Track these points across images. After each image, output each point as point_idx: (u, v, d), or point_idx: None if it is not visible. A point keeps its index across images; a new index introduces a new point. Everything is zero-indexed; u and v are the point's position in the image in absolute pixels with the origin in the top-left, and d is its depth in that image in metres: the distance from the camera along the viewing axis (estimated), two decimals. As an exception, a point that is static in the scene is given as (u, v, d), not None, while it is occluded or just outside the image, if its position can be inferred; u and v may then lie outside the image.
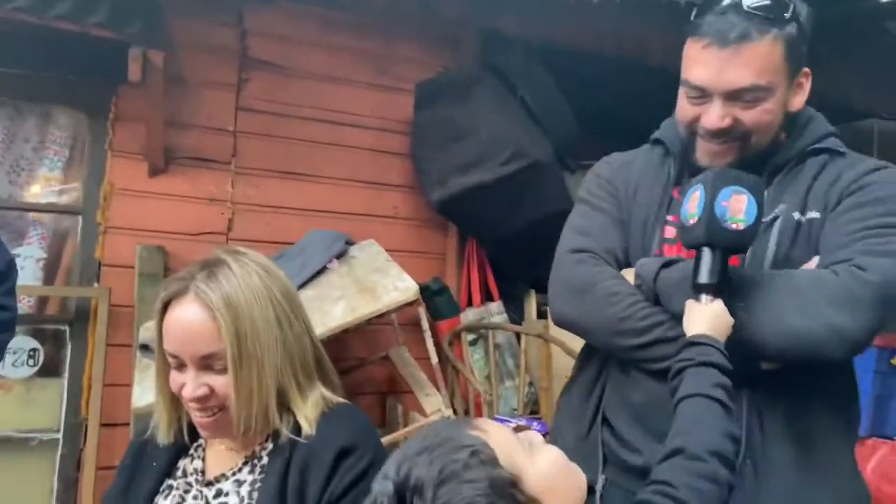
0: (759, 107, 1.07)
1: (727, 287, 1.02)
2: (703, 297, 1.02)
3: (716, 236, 1.00)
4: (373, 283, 2.12)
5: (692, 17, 1.11)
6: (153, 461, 1.20)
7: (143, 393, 1.85)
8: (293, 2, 2.70)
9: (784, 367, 1.05)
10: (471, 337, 2.80)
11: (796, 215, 1.10)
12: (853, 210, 1.07)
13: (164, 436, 1.17)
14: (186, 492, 1.15)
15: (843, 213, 1.08)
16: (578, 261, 1.21)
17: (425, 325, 2.16)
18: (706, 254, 1.02)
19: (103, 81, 2.40)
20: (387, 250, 2.50)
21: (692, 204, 1.03)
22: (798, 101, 1.13)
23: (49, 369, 2.37)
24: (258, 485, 1.11)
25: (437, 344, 2.60)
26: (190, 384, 1.06)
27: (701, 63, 1.08)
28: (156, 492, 1.17)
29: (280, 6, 2.70)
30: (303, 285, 2.19)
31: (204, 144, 2.58)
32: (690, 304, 1.04)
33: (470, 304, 2.88)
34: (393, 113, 2.87)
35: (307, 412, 1.11)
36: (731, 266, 1.07)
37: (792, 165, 1.14)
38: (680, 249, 1.15)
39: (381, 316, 2.09)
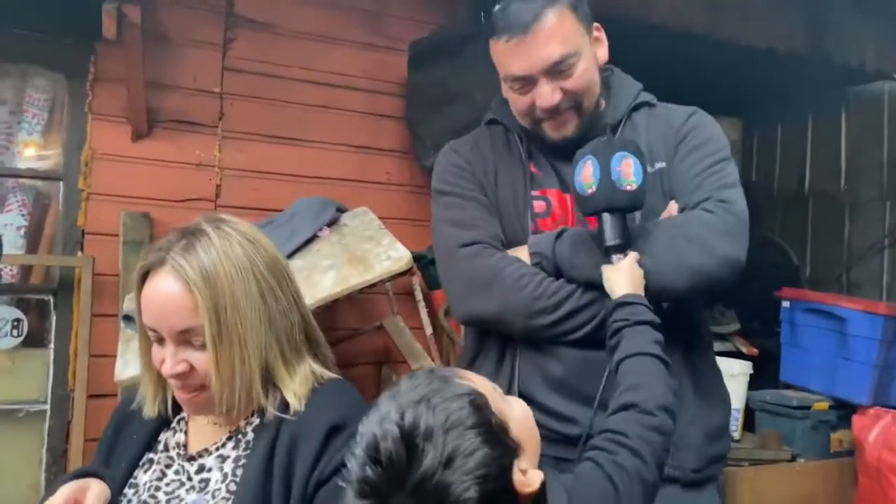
0: (577, 71, 1.18)
1: (631, 244, 1.13)
2: (614, 257, 1.12)
3: (615, 200, 1.09)
4: (364, 252, 2.04)
5: (483, 24, 1.25)
6: (134, 434, 1.17)
7: (127, 365, 1.80)
8: (280, -44, 2.58)
9: (673, 306, 1.19)
10: (467, 306, 2.73)
11: (647, 168, 1.19)
12: (690, 154, 1.22)
13: (150, 409, 1.14)
14: (168, 466, 1.12)
15: (682, 158, 1.22)
16: (474, 254, 1.22)
17: (419, 295, 2.10)
18: (608, 218, 1.11)
19: (80, 41, 2.30)
20: (380, 218, 2.41)
21: (586, 174, 1.11)
22: (602, 53, 1.25)
23: (34, 340, 2.31)
24: (242, 461, 1.07)
25: (433, 313, 2.54)
26: (169, 360, 1.02)
27: (513, 55, 1.19)
28: (135, 465, 1.14)
29: (266, -39, 2.58)
30: (292, 254, 2.12)
31: (189, 107, 2.48)
32: (605, 268, 1.12)
33: (467, 272, 2.81)
34: (386, 74, 2.76)
35: (296, 388, 1.07)
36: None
37: (624, 123, 1.26)
38: (554, 222, 1.25)
39: (374, 285, 2.02)
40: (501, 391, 0.86)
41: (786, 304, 3.16)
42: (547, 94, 1.18)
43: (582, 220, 1.24)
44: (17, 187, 2.35)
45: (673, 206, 1.20)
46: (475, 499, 0.70)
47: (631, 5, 2.75)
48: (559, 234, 1.20)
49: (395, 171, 2.79)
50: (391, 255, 1.99)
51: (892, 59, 3.43)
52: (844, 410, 2.88)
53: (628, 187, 1.10)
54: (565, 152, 1.22)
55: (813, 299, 3.05)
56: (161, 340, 1.03)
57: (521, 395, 1.20)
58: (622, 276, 1.11)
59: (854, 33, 3.31)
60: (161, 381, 1.10)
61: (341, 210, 2.40)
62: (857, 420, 2.81)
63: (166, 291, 0.99)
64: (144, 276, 1.04)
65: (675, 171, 1.23)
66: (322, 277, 1.95)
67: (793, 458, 2.73)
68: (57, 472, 2.27)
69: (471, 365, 1.33)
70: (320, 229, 2.23)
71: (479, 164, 1.31)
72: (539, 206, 1.27)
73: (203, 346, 1.00)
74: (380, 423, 0.73)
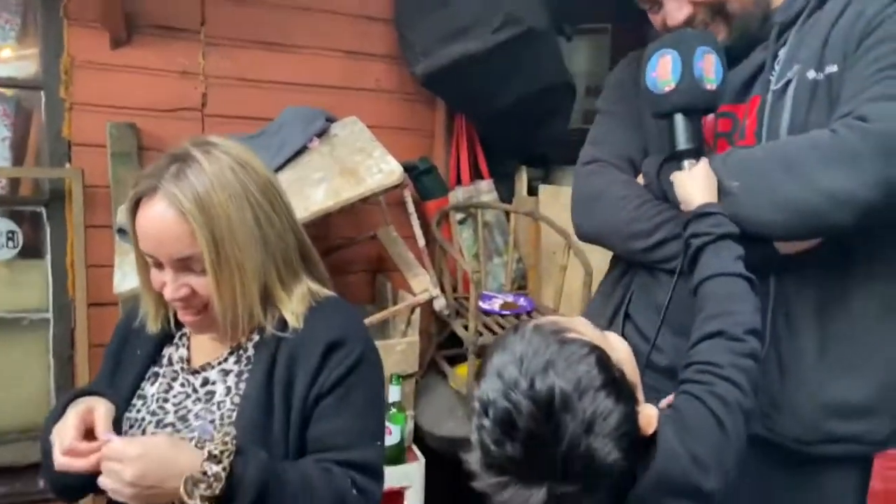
0: None
1: (704, 150, 1.01)
2: (686, 163, 1.00)
3: (696, 99, 0.97)
4: (355, 165, 2.03)
5: None
6: (137, 349, 1.21)
7: (125, 277, 1.83)
8: None
9: (813, 252, 0.98)
10: (459, 216, 2.76)
11: (811, 74, 0.98)
12: (871, 51, 0.93)
13: (152, 325, 1.17)
14: (174, 379, 1.17)
15: (860, 57, 0.94)
16: (589, 172, 1.19)
17: (411, 208, 2.11)
18: (680, 120, 1.00)
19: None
20: (370, 126, 2.37)
21: (664, 70, 0.99)
22: None
23: (30, 251, 2.32)
24: (245, 376, 1.11)
25: (426, 224, 2.57)
26: (170, 285, 1.03)
27: None
28: (142, 378, 1.18)
29: None
30: (282, 166, 2.11)
31: (169, 11, 2.36)
32: (677, 175, 1.02)
33: (459, 182, 2.81)
34: (374, -28, 2.63)
35: (293, 307, 1.10)
36: (735, 145, 1.04)
37: (806, 16, 1.01)
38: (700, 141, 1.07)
39: (366, 198, 2.02)
40: (601, 327, 0.83)
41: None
42: (674, 10, 1.04)
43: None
44: (-2, 97, 2.28)
45: None
46: (620, 457, 0.69)
47: None
48: (670, 157, 1.06)
49: (384, 77, 2.72)
50: (383, 169, 1.98)
51: None
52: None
53: (709, 86, 0.98)
54: (730, 63, 1.04)
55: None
56: (159, 265, 1.04)
57: (626, 316, 1.21)
58: (697, 184, 0.99)
59: None
60: (161, 299, 1.12)
61: (330, 120, 2.36)
62: None
63: (162, 220, 0.99)
64: (137, 204, 1.04)
65: (847, 76, 0.95)
66: (314, 190, 1.95)
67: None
68: (65, 377, 2.36)
69: (606, 276, 1.30)
70: (310, 140, 2.21)
71: (633, 78, 1.18)
72: None
73: (203, 271, 1.02)
74: (507, 393, 0.69)
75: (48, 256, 2.33)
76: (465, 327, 2.25)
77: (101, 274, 2.32)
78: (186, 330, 1.20)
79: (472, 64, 2.31)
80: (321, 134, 2.26)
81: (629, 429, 0.71)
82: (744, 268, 0.93)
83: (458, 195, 2.77)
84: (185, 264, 1.02)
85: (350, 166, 2.04)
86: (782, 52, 1.02)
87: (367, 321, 2.07)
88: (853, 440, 1.02)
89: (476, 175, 2.88)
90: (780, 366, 1.03)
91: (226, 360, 1.15)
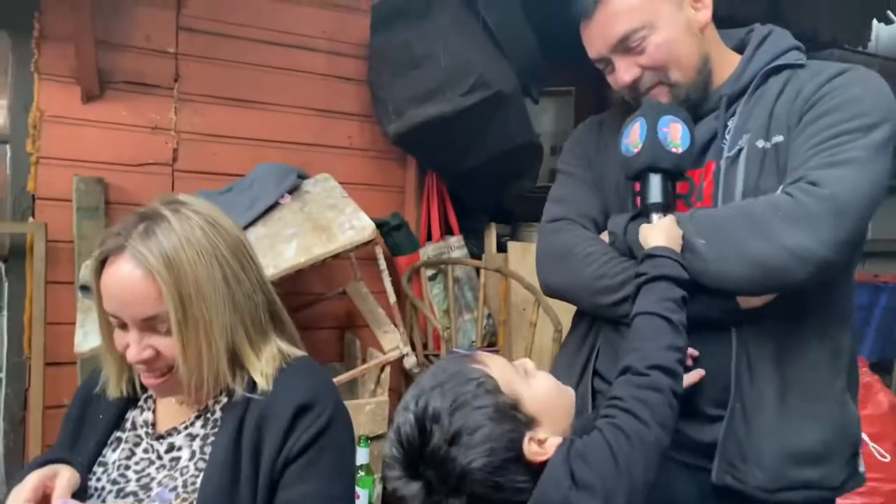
0: (651, 45, 1.09)
1: (672, 208, 1.08)
2: (654, 216, 1.07)
3: (660, 159, 1.05)
4: (327, 221, 2.04)
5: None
6: (100, 413, 1.16)
7: (87, 336, 1.78)
8: None
9: (770, 304, 1.04)
10: (430, 272, 2.77)
11: (760, 143, 1.07)
12: (811, 125, 1.03)
13: (113, 390, 1.13)
14: (136, 444, 1.12)
15: (801, 130, 1.04)
16: (555, 229, 1.23)
17: (382, 264, 2.11)
18: (652, 177, 1.07)
19: (23, -6, 2.18)
20: (342, 183, 2.40)
21: (634, 136, 1.08)
22: (703, 16, 1.12)
23: (-14, 307, 2.26)
24: (211, 439, 1.08)
25: (396, 280, 2.57)
26: (134, 347, 1.00)
27: (585, 39, 1.15)
28: (104, 444, 1.14)
29: (221, -88, 2.46)
30: (253, 222, 2.10)
31: (142, 68, 2.39)
32: (644, 226, 1.08)
33: (429, 238, 2.83)
34: (347, 35, 2.70)
35: (262, 368, 1.08)
36: (693, 206, 1.11)
37: (751, 91, 1.10)
38: None
39: (337, 254, 2.02)
40: (527, 368, 0.91)
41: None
42: (622, 72, 1.12)
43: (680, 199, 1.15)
44: (-39, 149, 2.25)
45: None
46: (482, 468, 0.80)
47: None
48: (636, 215, 1.13)
49: (357, 135, 2.76)
50: (355, 225, 1.99)
51: (844, 30, 3.51)
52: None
53: (674, 149, 1.05)
54: None
55: None
56: (124, 326, 1.01)
57: (595, 373, 1.22)
58: (657, 232, 1.05)
59: (810, 4, 3.37)
60: (124, 362, 1.09)
61: (302, 176, 2.37)
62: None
63: (128, 279, 0.97)
64: (102, 263, 1.02)
65: (791, 146, 1.04)
66: (285, 247, 1.94)
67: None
68: (15, 440, 2.25)
69: (569, 335, 1.34)
70: (282, 196, 2.21)
71: (594, 140, 1.28)
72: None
73: (168, 332, 0.99)
74: (402, 410, 0.85)
75: (4, 313, 2.25)
76: (436, 385, 2.22)
77: (59, 332, 2.25)
78: (152, 392, 1.17)
79: (442, 124, 2.38)
80: (293, 190, 2.26)
81: (503, 446, 0.81)
82: (671, 309, 0.98)
83: (428, 251, 2.79)
84: (150, 325, 1.00)
85: (322, 223, 2.04)
86: (731, 123, 1.11)
87: (336, 380, 2.04)
88: (813, 486, 1.05)
89: (446, 231, 2.91)
90: (745, 416, 1.06)
91: (192, 423, 1.11)
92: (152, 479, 1.07)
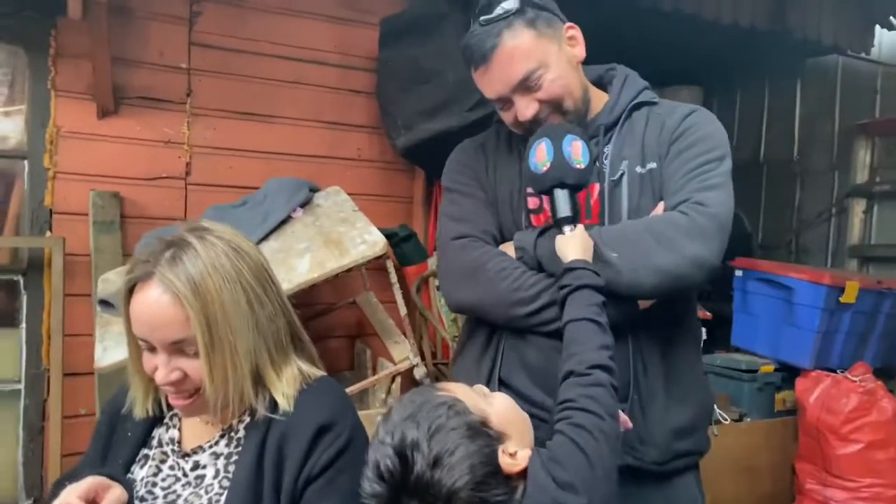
0: (546, 81, 1.22)
1: (579, 218, 1.20)
2: (566, 228, 1.17)
3: (567, 175, 1.16)
4: (339, 236, 2.08)
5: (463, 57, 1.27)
6: (128, 431, 1.20)
7: (106, 352, 1.82)
8: (247, -76, 2.51)
9: (654, 307, 1.22)
10: (438, 281, 2.81)
11: (638, 168, 1.26)
12: (680, 155, 1.25)
13: (140, 410, 1.17)
14: (163, 462, 1.16)
15: (673, 159, 1.25)
16: (461, 246, 1.30)
17: (393, 278, 2.15)
18: (560, 193, 1.17)
19: (40, 13, 2.22)
20: (351, 194, 2.45)
21: (540, 155, 1.18)
22: (579, 51, 1.28)
23: (5, 319, 2.30)
24: (234, 458, 1.12)
25: (405, 290, 2.61)
26: (162, 369, 1.04)
27: (483, 82, 1.25)
28: (132, 461, 1.17)
29: (232, -71, 2.50)
30: (266, 236, 2.14)
31: (156, 83, 2.43)
32: (559, 238, 1.18)
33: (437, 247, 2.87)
34: (356, 49, 2.74)
35: (284, 388, 1.11)
36: (593, 225, 1.26)
37: (622, 123, 1.29)
38: (546, 217, 1.29)
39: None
40: (483, 391, 0.97)
41: (738, 272, 3.32)
42: (523, 108, 1.23)
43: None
44: (-20, 165, 2.30)
45: (660, 208, 1.24)
46: (466, 485, 0.84)
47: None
48: (542, 231, 1.25)
49: (366, 146, 2.80)
50: (366, 240, 2.03)
51: (847, 36, 3.54)
52: (788, 373, 3.09)
53: (578, 165, 1.17)
54: None
55: (763, 269, 3.20)
56: (153, 349, 1.05)
57: (500, 381, 1.29)
58: (572, 243, 1.16)
59: (813, 9, 3.39)
60: (151, 382, 1.13)
61: (314, 190, 2.42)
62: (799, 382, 3.01)
63: (157, 305, 1.01)
64: (131, 289, 1.06)
65: (666, 173, 1.25)
66: (298, 261, 1.98)
67: (740, 418, 2.93)
68: (34, 449, 2.30)
69: (462, 347, 1.42)
70: (294, 210, 2.25)
71: (482, 162, 1.37)
72: (533, 202, 1.32)
73: (195, 355, 1.03)
74: (378, 447, 0.88)
75: (23, 326, 2.30)
76: (446, 395, 2.26)
77: (76, 343, 2.30)
78: (177, 410, 1.21)
79: (449, 138, 2.40)
80: (305, 204, 2.30)
81: (481, 461, 0.86)
82: (596, 313, 1.10)
83: (436, 261, 2.83)
84: (178, 348, 1.04)
85: (334, 237, 2.08)
86: (608, 149, 1.28)
87: (347, 390, 2.08)
88: (691, 453, 1.31)
89: (454, 240, 2.94)
90: (641, 406, 1.25)
91: (217, 442, 1.15)
92: (178, 496, 1.11)
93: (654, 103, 1.32)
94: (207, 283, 1.02)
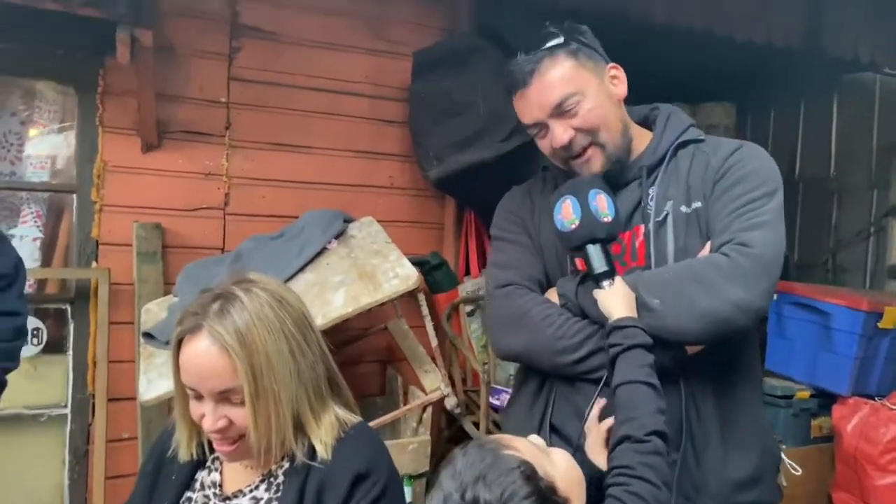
0: (583, 109, 1.23)
1: (615, 272, 1.18)
2: (605, 283, 1.17)
3: (597, 230, 1.17)
4: (373, 268, 2.12)
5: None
6: (172, 474, 1.25)
7: (150, 384, 1.88)
8: (284, -38, 2.58)
9: (705, 351, 1.19)
10: (468, 308, 2.84)
11: (683, 208, 1.24)
12: (725, 193, 1.22)
13: (185, 453, 1.21)
14: (205, 504, 1.21)
15: (717, 198, 1.23)
16: (507, 294, 1.31)
17: (425, 310, 2.19)
18: (592, 249, 1.17)
19: (91, 55, 2.32)
20: (383, 222, 2.49)
21: (566, 212, 1.19)
22: (620, 89, 1.29)
23: (53, 346, 2.39)
24: (274, 503, 1.16)
25: (436, 316, 2.64)
26: (210, 416, 1.09)
27: (521, 106, 1.27)
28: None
29: (271, -32, 2.58)
30: (302, 268, 2.20)
31: (197, 117, 2.52)
32: (598, 293, 1.18)
33: (468, 273, 2.90)
34: (389, 79, 2.80)
35: (322, 436, 1.15)
36: (636, 267, 1.26)
37: (667, 162, 1.28)
38: None
39: (381, 298, 2.09)
40: (542, 446, 0.96)
41: (774, 296, 3.26)
42: (558, 133, 1.23)
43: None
44: (31, 199, 2.40)
45: (706, 248, 1.21)
46: None
47: (631, 7, 2.79)
48: (583, 278, 1.24)
49: (397, 174, 2.85)
50: (399, 273, 2.07)
51: (884, 53, 3.48)
52: (825, 399, 3.03)
53: (605, 219, 1.17)
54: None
55: (799, 293, 3.16)
56: (200, 397, 1.10)
57: (552, 427, 1.30)
58: (616, 299, 1.15)
59: (849, 27, 3.35)
60: (196, 427, 1.18)
61: (348, 220, 2.47)
62: (836, 409, 2.95)
63: (206, 356, 1.06)
64: (181, 340, 1.11)
65: (711, 212, 1.23)
66: (333, 296, 2.03)
67: (775, 445, 2.89)
68: (79, 472, 2.39)
69: (515, 394, 1.42)
70: (329, 242, 2.31)
71: (528, 209, 1.38)
72: None
73: (241, 403, 1.08)
74: (445, 501, 0.85)
75: (70, 352, 2.39)
76: (476, 424, 2.29)
77: (120, 369, 2.39)
78: (219, 454, 1.25)
79: (482, 169, 2.45)
80: (339, 235, 2.36)
81: None
82: (649, 375, 1.08)
83: (467, 287, 2.86)
84: (224, 397, 1.09)
85: (368, 270, 2.13)
86: (652, 190, 1.27)
87: (379, 420, 2.12)
88: None
89: (484, 265, 2.97)
90: (695, 453, 1.21)
91: (257, 487, 1.19)
92: (220, 538, 1.15)
93: (700, 141, 1.30)
94: (253, 335, 1.07)
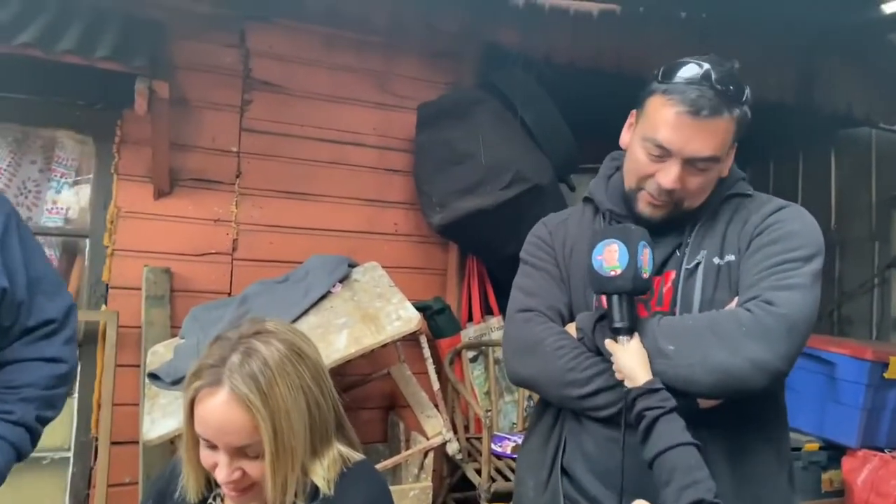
0: (707, 174, 1.19)
1: (636, 326, 1.15)
2: (622, 338, 1.14)
3: (637, 286, 1.13)
4: (376, 311, 2.16)
5: (659, 76, 1.19)
6: None
7: (154, 424, 1.90)
8: (295, 21, 2.72)
9: (721, 408, 1.14)
10: (471, 354, 2.85)
11: (716, 260, 1.21)
12: (760, 250, 1.18)
13: (193, 495, 1.20)
14: (206, 542, 1.20)
15: (752, 254, 1.19)
16: (525, 320, 1.29)
17: (427, 353, 2.21)
18: (618, 300, 1.15)
19: (109, 107, 2.43)
20: (388, 267, 2.54)
21: (610, 257, 1.15)
22: (727, 167, 1.25)
23: (58, 389, 2.41)
24: None
25: (438, 361, 2.65)
26: (224, 469, 1.08)
27: (673, 126, 1.17)
28: None
29: (282, 26, 2.72)
30: (306, 311, 2.24)
31: (208, 166, 2.61)
32: (616, 348, 1.15)
33: (470, 319, 2.93)
34: (394, 130, 2.90)
35: (324, 473, 1.13)
36: (660, 312, 1.22)
37: (709, 215, 1.25)
38: None
39: (384, 342, 2.12)
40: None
41: (794, 361, 3.25)
42: (673, 177, 1.18)
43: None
44: (46, 243, 2.47)
45: (733, 303, 1.17)
46: None
47: (625, 62, 2.89)
48: (602, 316, 1.21)
49: (402, 221, 2.92)
50: (401, 316, 2.10)
51: (878, 109, 3.57)
52: (834, 451, 2.98)
53: (645, 275, 1.14)
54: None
55: (803, 343, 3.14)
56: (214, 447, 1.09)
57: (563, 470, 1.27)
58: (637, 359, 1.13)
59: (842, 84, 3.45)
60: (204, 470, 1.16)
61: (352, 265, 2.52)
62: (846, 462, 2.90)
63: (228, 413, 1.05)
64: (197, 389, 1.09)
65: (743, 267, 1.19)
66: (337, 337, 2.06)
67: (784, 500, 2.82)
68: (79, 517, 2.37)
69: (530, 432, 1.39)
70: (333, 286, 2.35)
71: (560, 238, 1.35)
72: None
73: (256, 457, 1.07)
74: None
75: (76, 395, 2.41)
76: (478, 471, 2.27)
77: (124, 412, 2.40)
78: (220, 490, 1.25)
79: (483, 216, 2.51)
80: (343, 279, 2.40)
81: None
82: (690, 436, 1.06)
83: (469, 333, 2.88)
84: (241, 450, 1.08)
85: (371, 312, 2.16)
86: (689, 239, 1.24)
87: (381, 465, 2.11)
88: None
89: (487, 311, 3.00)
90: None
91: (262, 524, 1.19)
92: (220, 574, 1.14)
93: (748, 195, 1.26)
94: (275, 392, 1.06)
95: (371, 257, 2.67)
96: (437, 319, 2.75)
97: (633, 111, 1.29)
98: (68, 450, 2.39)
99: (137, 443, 2.38)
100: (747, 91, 1.18)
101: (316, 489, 1.16)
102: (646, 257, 1.14)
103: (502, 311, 2.99)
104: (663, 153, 1.18)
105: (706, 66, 1.16)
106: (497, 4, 2.69)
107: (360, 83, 2.85)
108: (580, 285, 1.30)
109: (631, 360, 1.14)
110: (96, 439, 2.37)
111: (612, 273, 1.14)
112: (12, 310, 1.31)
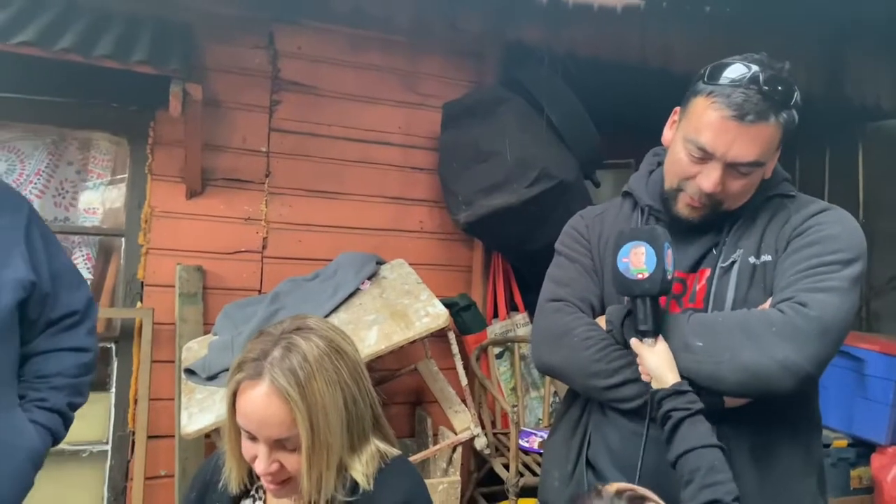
0: (749, 178, 1.17)
1: (660, 328, 1.14)
2: (647, 340, 1.14)
3: (663, 288, 1.12)
4: (404, 308, 2.19)
5: (706, 76, 1.17)
6: (217, 501, 1.29)
7: (192, 419, 1.95)
8: (321, 22, 2.75)
9: (747, 407, 1.14)
10: (497, 350, 2.87)
11: (752, 259, 1.19)
12: (797, 252, 1.16)
13: (235, 486, 1.24)
14: (248, 534, 1.24)
15: (789, 255, 1.16)
16: (556, 310, 1.30)
17: (455, 349, 2.23)
18: (642, 303, 1.14)
19: (144, 108, 2.49)
20: (413, 264, 2.57)
21: (636, 260, 1.14)
22: (770, 169, 1.22)
23: (97, 384, 2.47)
24: None
25: (465, 357, 2.68)
26: (263, 460, 1.11)
27: (716, 130, 1.14)
28: None
29: (309, 27, 2.76)
30: (336, 308, 2.28)
31: (239, 166, 2.66)
32: (642, 349, 1.15)
33: (496, 315, 2.95)
34: (420, 129, 2.93)
35: (363, 468, 1.16)
36: (692, 308, 1.21)
37: (749, 215, 1.23)
38: None
39: (412, 338, 2.14)
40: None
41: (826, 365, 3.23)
42: (714, 180, 1.16)
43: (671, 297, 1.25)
44: (82, 242, 2.54)
45: (767, 304, 1.16)
46: None
47: (651, 57, 2.88)
48: (629, 311, 1.20)
49: (427, 219, 2.95)
50: (429, 312, 2.13)
51: (908, 101, 3.51)
52: (863, 448, 2.96)
53: (670, 276, 1.13)
54: (680, 235, 1.23)
55: (831, 339, 3.11)
56: (254, 438, 1.13)
57: (588, 463, 1.29)
58: (665, 361, 1.13)
59: (870, 75, 3.40)
60: (244, 461, 1.20)
61: (380, 262, 2.55)
62: (875, 459, 2.88)
63: (267, 405, 1.09)
64: (239, 382, 1.13)
65: (779, 268, 1.17)
66: (367, 333, 2.10)
67: (813, 497, 2.81)
68: (117, 508, 2.44)
69: (557, 424, 1.41)
70: (362, 283, 2.39)
71: (596, 231, 1.35)
72: None
73: (294, 449, 1.11)
74: None
75: (113, 390, 2.48)
76: (506, 466, 2.29)
77: (160, 407, 2.46)
78: (262, 483, 1.29)
79: (508, 213, 2.53)
80: (372, 276, 2.44)
81: None
82: (717, 440, 1.06)
83: (495, 329, 2.90)
84: (280, 443, 1.11)
85: (399, 309, 2.19)
86: (727, 238, 1.22)
87: (409, 460, 2.14)
88: None
89: (512, 308, 3.02)
90: None
91: (301, 518, 1.22)
92: (263, 566, 1.18)
93: (790, 196, 1.24)
94: (313, 387, 1.09)
95: (397, 255, 2.71)
96: (463, 316, 2.77)
97: (677, 108, 1.27)
98: (106, 443, 2.46)
99: (173, 437, 2.45)
100: (797, 94, 1.14)
101: (355, 484, 1.19)
102: (670, 258, 1.13)
103: (527, 307, 3.01)
104: (705, 156, 1.16)
105: (754, 67, 1.12)
106: (520, 2, 2.70)
107: (386, 83, 2.88)
108: (612, 279, 1.28)
109: (658, 361, 1.14)
110: (133, 433, 2.43)
111: (639, 276, 1.13)
112: (39, 302, 1.38)
